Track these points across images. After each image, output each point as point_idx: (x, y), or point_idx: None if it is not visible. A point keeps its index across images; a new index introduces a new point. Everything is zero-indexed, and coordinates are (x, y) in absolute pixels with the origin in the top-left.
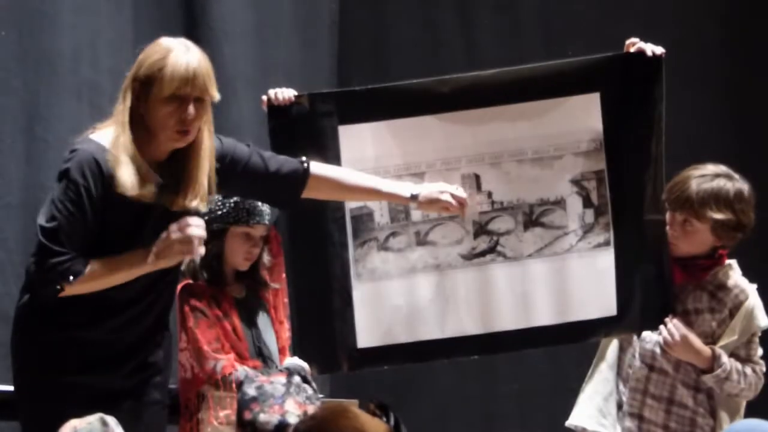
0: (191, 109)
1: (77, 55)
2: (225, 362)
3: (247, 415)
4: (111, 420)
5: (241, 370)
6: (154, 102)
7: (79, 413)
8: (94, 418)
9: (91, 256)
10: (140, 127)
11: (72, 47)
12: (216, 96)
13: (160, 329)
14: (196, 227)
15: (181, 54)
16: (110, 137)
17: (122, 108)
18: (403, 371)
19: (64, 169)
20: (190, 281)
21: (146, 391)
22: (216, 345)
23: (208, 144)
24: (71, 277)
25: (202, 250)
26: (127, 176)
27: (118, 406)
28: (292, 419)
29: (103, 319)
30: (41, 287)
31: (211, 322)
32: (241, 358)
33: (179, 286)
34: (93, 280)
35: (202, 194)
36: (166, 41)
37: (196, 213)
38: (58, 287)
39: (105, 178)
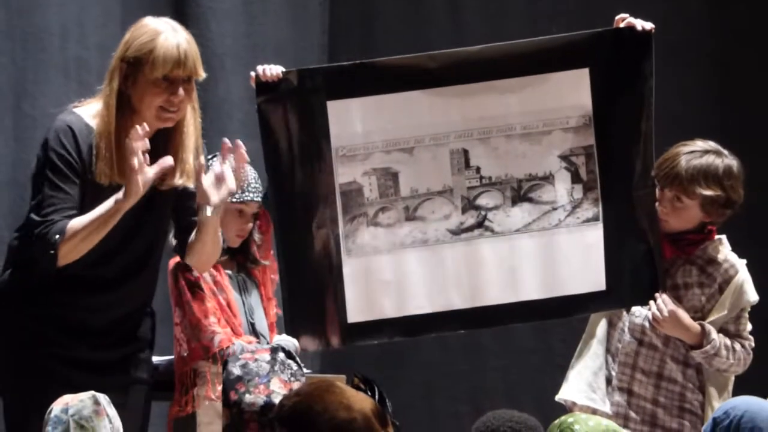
0: (181, 90)
1: (65, 31)
2: (222, 336)
3: (233, 396)
4: (103, 398)
5: (238, 344)
6: (143, 83)
7: (61, 388)
8: (86, 396)
9: None
10: (127, 107)
11: (60, 24)
12: (202, 75)
13: (145, 307)
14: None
15: (170, 35)
16: (92, 112)
17: (109, 90)
18: (391, 347)
19: (44, 140)
20: None
21: (129, 368)
22: (212, 319)
23: (192, 122)
24: (57, 236)
25: (150, 169)
26: (104, 166)
27: (101, 382)
28: (278, 399)
29: (87, 297)
30: (41, 261)
31: (206, 296)
32: (235, 334)
33: (173, 261)
34: (77, 233)
35: (188, 171)
36: (152, 21)
37: (184, 191)
38: (52, 251)
39: (80, 147)
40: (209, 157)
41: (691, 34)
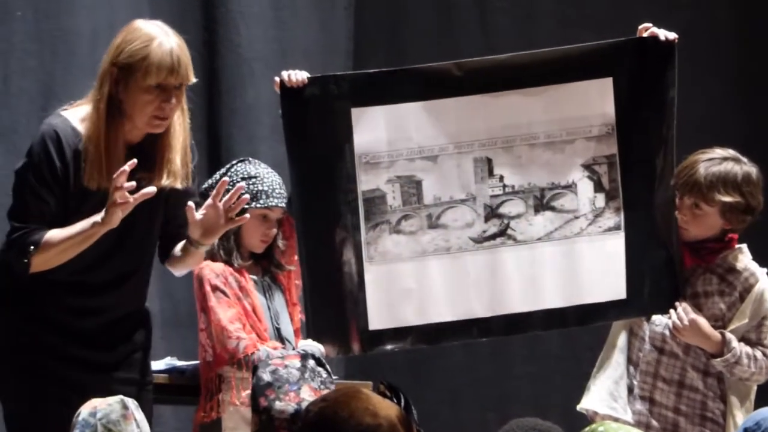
0: (172, 97)
1: (95, 35)
2: (247, 341)
3: (263, 402)
4: (131, 403)
5: (263, 350)
6: (134, 90)
7: (56, 389)
8: (114, 400)
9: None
10: (117, 111)
11: (89, 27)
12: (193, 79)
13: (139, 309)
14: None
15: (164, 41)
16: (81, 115)
17: (99, 94)
18: (417, 353)
19: (30, 145)
20: (209, 261)
21: (124, 369)
22: (237, 324)
23: (180, 123)
24: (31, 247)
25: (129, 198)
26: (93, 171)
27: (96, 382)
28: None
29: (77, 299)
30: (15, 267)
31: (231, 302)
32: (261, 339)
33: (199, 267)
34: (52, 247)
35: (175, 172)
36: (143, 26)
37: (173, 194)
38: (25, 260)
39: (65, 152)
40: (234, 161)
41: (715, 42)
